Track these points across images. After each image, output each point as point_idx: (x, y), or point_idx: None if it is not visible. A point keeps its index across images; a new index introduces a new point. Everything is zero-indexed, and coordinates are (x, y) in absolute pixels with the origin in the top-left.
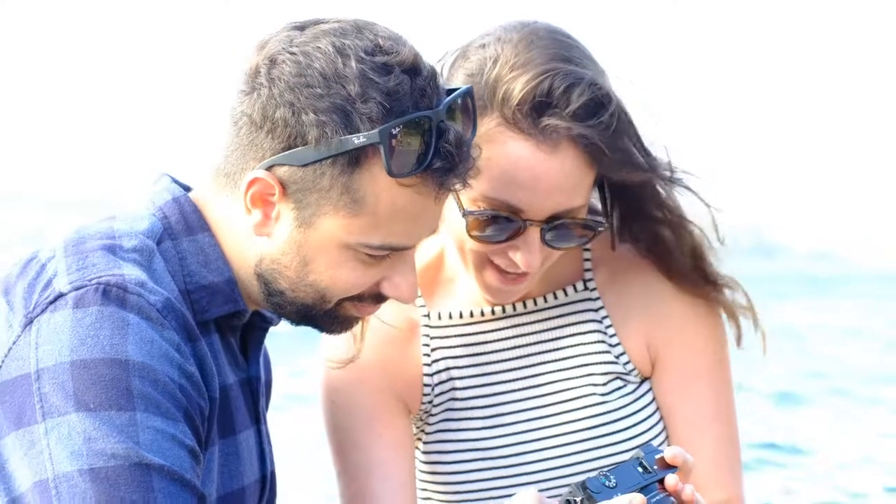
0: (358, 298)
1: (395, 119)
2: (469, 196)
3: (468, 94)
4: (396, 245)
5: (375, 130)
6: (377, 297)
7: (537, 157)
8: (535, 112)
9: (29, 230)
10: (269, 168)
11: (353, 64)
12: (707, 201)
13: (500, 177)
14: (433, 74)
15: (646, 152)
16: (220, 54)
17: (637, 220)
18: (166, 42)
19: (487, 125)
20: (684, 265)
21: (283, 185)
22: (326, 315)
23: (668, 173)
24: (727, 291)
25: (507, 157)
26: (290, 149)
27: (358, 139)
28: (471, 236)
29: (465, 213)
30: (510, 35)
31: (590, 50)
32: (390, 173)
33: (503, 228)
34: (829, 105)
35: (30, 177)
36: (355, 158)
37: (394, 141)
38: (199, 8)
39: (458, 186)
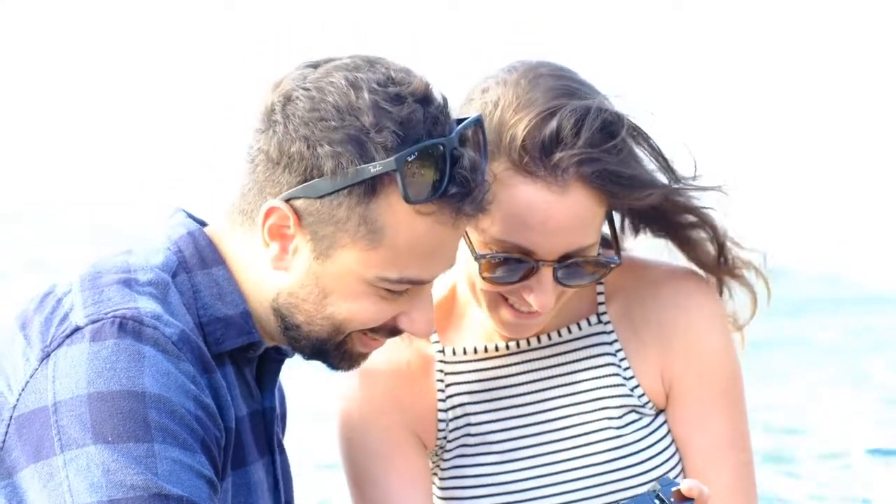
0: (371, 331)
1: (409, 146)
2: (481, 239)
3: (478, 122)
4: (415, 279)
5: (391, 158)
6: (392, 331)
7: (547, 200)
8: (544, 152)
9: (31, 254)
10: (286, 201)
11: (366, 95)
12: (723, 193)
13: (510, 219)
14: (444, 103)
15: (665, 161)
16: (223, 69)
17: (665, 229)
18: (168, 60)
19: (496, 169)
20: (710, 257)
21: (299, 217)
22: (337, 349)
23: (684, 181)
24: (751, 275)
25: (517, 200)
26: (306, 181)
27: (374, 167)
28: (483, 278)
29: (478, 258)
30: (511, 76)
31: (592, 82)
32: (407, 200)
33: (515, 270)
34: (836, 127)
35: (31, 199)
36: (371, 188)
37: (409, 168)
38: (204, 30)
39: (471, 212)
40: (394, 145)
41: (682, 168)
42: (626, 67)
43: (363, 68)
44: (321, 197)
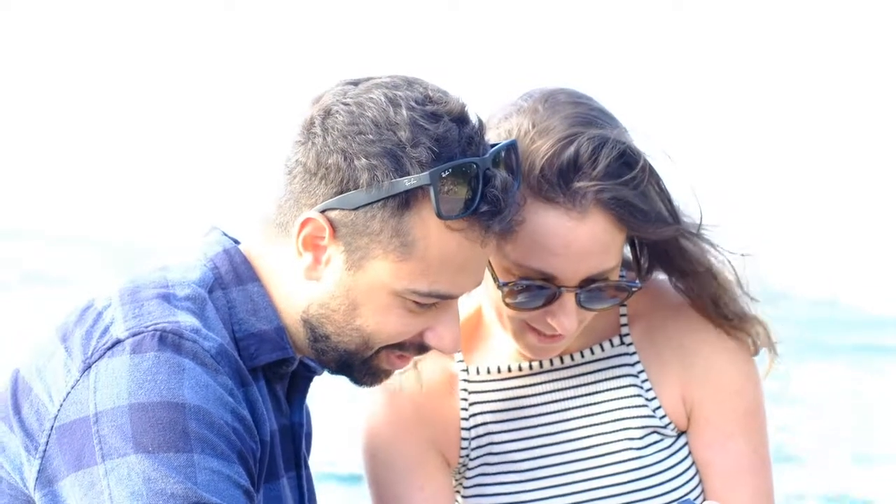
0: (399, 347)
1: (444, 163)
2: (502, 265)
3: (512, 146)
4: (443, 293)
5: (426, 173)
6: (419, 348)
7: (567, 225)
8: (562, 178)
9: (30, 268)
10: (321, 211)
11: (404, 112)
12: (728, 254)
13: (531, 245)
14: (480, 125)
15: (672, 206)
16: (223, 69)
17: (663, 269)
18: (167, 61)
19: None
20: (708, 308)
21: (334, 228)
22: (364, 364)
23: (693, 228)
24: (750, 328)
25: (538, 225)
26: (342, 193)
27: (409, 181)
28: (507, 305)
29: (500, 285)
30: (528, 103)
31: (611, 110)
32: (439, 215)
33: (538, 296)
34: (835, 147)
35: (30, 214)
36: (405, 201)
37: (443, 183)
38: (204, 30)
39: (499, 230)
40: (428, 161)
41: (691, 214)
42: (626, 67)
43: (402, 87)
44: (356, 209)
